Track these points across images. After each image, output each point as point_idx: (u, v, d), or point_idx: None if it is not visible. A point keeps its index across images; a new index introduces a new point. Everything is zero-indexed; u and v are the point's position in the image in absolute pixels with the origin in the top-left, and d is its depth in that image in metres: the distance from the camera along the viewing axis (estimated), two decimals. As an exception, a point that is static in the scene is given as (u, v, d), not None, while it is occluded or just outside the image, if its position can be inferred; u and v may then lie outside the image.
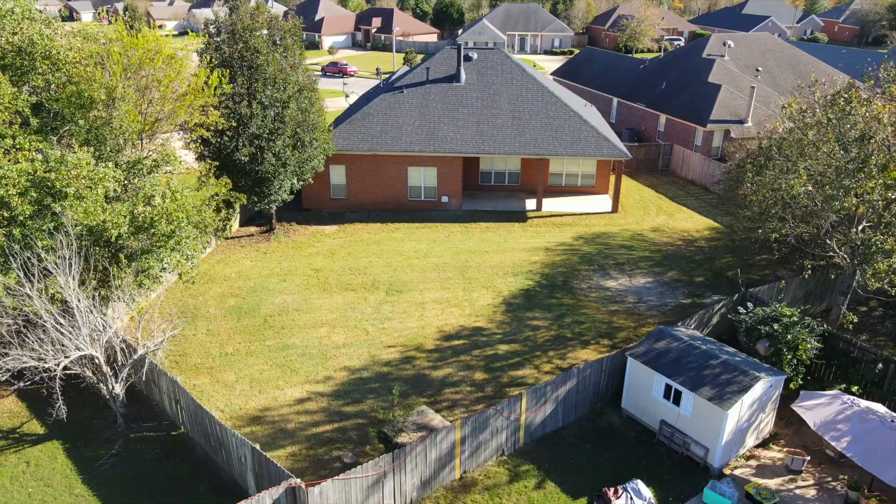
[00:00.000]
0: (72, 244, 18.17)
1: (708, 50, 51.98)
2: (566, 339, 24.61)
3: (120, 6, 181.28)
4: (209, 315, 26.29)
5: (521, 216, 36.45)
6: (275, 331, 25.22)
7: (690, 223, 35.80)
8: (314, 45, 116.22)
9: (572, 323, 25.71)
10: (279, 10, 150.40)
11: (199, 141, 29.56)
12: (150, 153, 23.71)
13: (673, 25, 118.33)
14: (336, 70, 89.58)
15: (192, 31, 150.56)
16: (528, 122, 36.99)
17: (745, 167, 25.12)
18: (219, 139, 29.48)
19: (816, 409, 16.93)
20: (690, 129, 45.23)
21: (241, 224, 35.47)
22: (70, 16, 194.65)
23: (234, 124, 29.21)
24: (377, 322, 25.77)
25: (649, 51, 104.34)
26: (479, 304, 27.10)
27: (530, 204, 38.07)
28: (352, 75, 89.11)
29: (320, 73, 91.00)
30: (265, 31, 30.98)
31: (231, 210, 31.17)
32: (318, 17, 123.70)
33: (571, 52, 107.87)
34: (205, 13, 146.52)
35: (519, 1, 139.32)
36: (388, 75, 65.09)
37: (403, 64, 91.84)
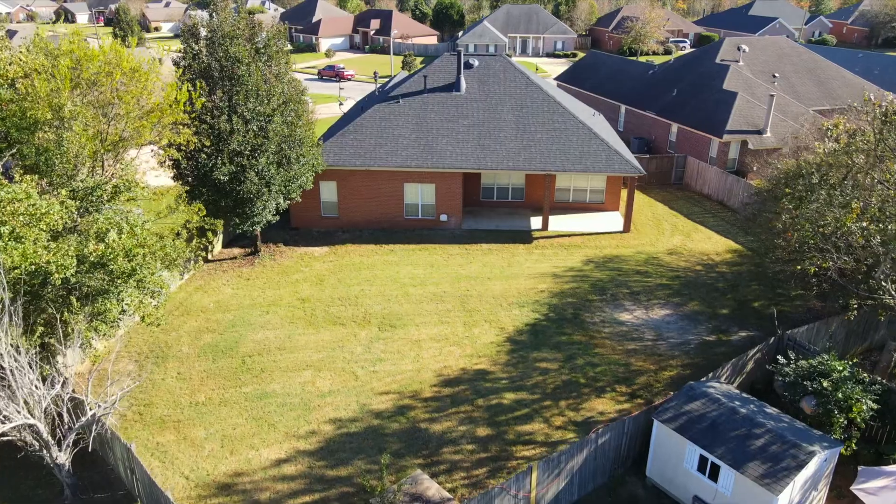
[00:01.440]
0: (3, 293, 15.48)
1: (721, 55, 49.34)
2: (579, 386, 21.93)
3: (115, 7, 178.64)
4: (181, 355, 23.63)
5: (525, 236, 33.78)
6: (253, 374, 22.55)
7: (709, 244, 33.13)
8: (311, 48, 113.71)
9: (585, 365, 23.03)
10: (277, 11, 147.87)
11: (171, 162, 26.96)
12: (111, 178, 21.05)
13: (678, 27, 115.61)
14: (332, 74, 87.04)
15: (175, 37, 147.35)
16: (534, 135, 34.32)
17: (782, 195, 22.41)
18: (196, 157, 26.91)
19: (882, 494, 14.27)
20: (705, 139, 42.56)
21: (224, 245, 32.85)
22: (67, 17, 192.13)
23: (209, 142, 26.56)
24: (368, 364, 23.10)
25: (654, 53, 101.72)
26: (482, 342, 24.43)
27: (535, 222, 35.40)
28: (348, 79, 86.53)
29: (316, 77, 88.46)
30: (248, 38, 28.35)
31: (205, 239, 28.53)
32: (315, 19, 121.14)
33: (574, 55, 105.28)
34: (200, 15, 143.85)
35: (520, 2, 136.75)
36: (385, 79, 62.42)
37: (402, 68, 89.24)
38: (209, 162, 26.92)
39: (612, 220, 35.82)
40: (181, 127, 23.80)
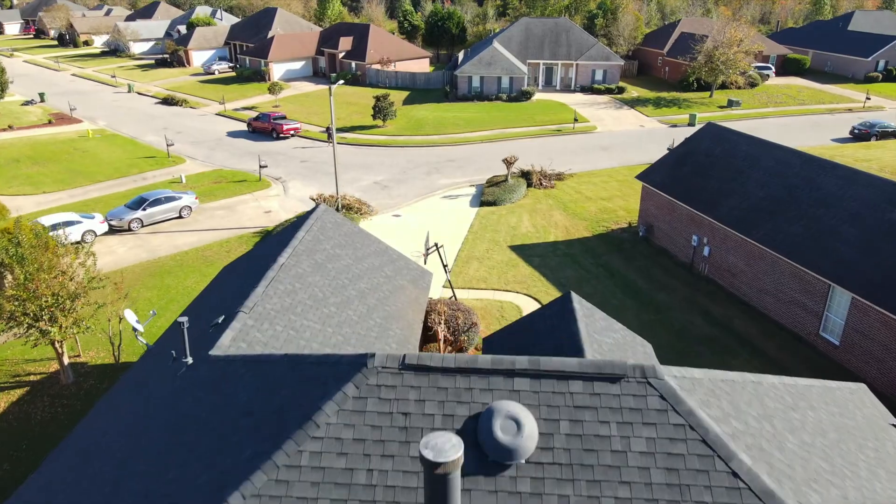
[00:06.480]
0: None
1: None
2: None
3: (48, 18, 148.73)
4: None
5: None
6: None
7: None
8: (260, 76, 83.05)
9: None
10: (230, 20, 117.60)
11: None
12: None
13: (753, 47, 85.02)
14: (267, 127, 56.65)
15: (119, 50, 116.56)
16: None
17: None
18: None
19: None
20: None
21: None
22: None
23: None
24: None
25: (736, 87, 71.45)
26: None
27: None
28: (290, 135, 56.24)
29: (246, 129, 58.31)
30: None
31: None
32: (269, 35, 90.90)
33: (621, 90, 74.74)
34: (133, 27, 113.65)
35: (537, 14, 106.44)
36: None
37: (373, 115, 58.91)
38: None
39: None
40: None
